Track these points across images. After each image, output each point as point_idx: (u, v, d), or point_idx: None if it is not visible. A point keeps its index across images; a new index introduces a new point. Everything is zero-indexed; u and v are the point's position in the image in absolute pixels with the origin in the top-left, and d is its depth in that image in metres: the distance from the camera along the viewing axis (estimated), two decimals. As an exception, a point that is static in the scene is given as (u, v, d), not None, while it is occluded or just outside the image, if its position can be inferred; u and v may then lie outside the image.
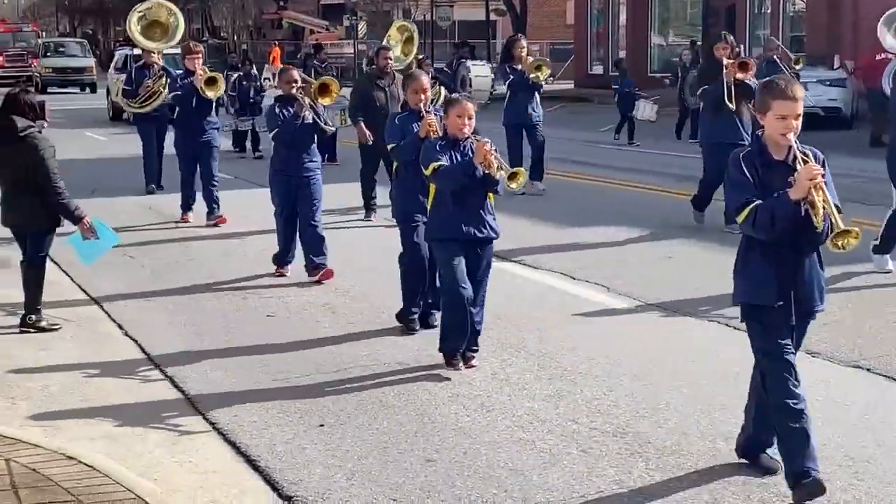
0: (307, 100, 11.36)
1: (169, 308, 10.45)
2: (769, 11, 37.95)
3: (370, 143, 14.33)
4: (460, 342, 8.21)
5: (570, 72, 49.05)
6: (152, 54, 17.63)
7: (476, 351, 8.39)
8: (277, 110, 11.29)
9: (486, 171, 7.93)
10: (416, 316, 9.38)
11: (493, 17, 51.84)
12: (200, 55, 15.24)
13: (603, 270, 11.59)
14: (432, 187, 8.26)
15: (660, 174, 19.94)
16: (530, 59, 17.00)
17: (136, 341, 9.32)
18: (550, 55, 49.47)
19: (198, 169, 15.17)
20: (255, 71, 25.06)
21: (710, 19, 39.97)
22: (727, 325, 9.45)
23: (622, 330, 9.44)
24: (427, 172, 8.13)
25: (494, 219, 8.26)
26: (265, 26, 79.68)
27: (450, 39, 53.07)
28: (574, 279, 11.29)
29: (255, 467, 6.57)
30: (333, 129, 12.46)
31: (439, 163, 8.02)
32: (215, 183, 15.07)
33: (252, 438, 6.99)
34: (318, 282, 11.14)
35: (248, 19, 76.05)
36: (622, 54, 45.14)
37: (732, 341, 9.02)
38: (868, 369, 8.22)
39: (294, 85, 11.36)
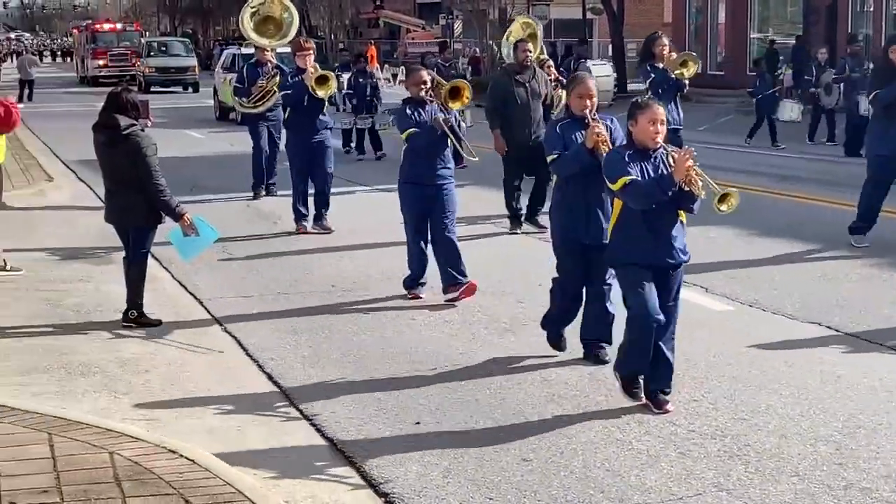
0: (437, 103, 10.38)
1: (266, 304, 10.54)
2: (871, 10, 37.23)
3: (505, 153, 14.13)
4: (640, 366, 7.36)
5: (668, 70, 48.53)
6: (266, 52, 16.83)
7: (669, 392, 7.40)
8: (409, 111, 10.33)
9: (688, 189, 7.02)
10: (560, 338, 8.65)
11: (589, 15, 51.50)
12: (312, 52, 14.15)
13: (702, 272, 11.46)
14: (617, 204, 7.31)
15: (764, 175, 19.64)
16: (674, 55, 16.37)
17: (234, 337, 9.43)
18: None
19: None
20: (370, 68, 24.43)
21: (811, 17, 39.41)
22: (828, 327, 9.32)
23: (720, 331, 9.33)
24: (615, 187, 7.13)
25: (685, 240, 7.41)
26: (361, 25, 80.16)
27: (546, 38, 52.89)
28: (671, 279, 11.16)
29: (352, 463, 6.61)
30: (465, 134, 10.77)
31: (630, 177, 7.05)
32: (328, 188, 14.44)
33: (349, 434, 7.03)
34: (456, 299, 10.33)
35: (346, 18, 76.52)
36: (721, 52, 44.70)
37: (835, 344, 8.89)
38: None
39: (423, 87, 10.39)
